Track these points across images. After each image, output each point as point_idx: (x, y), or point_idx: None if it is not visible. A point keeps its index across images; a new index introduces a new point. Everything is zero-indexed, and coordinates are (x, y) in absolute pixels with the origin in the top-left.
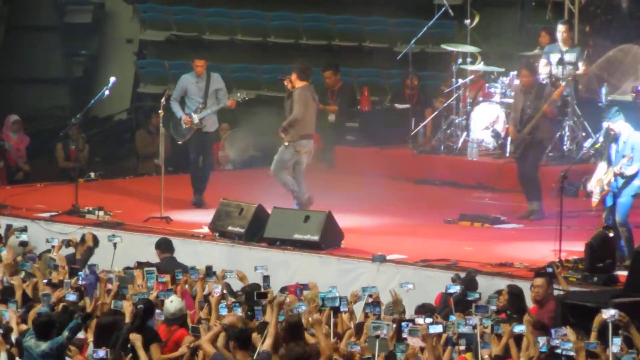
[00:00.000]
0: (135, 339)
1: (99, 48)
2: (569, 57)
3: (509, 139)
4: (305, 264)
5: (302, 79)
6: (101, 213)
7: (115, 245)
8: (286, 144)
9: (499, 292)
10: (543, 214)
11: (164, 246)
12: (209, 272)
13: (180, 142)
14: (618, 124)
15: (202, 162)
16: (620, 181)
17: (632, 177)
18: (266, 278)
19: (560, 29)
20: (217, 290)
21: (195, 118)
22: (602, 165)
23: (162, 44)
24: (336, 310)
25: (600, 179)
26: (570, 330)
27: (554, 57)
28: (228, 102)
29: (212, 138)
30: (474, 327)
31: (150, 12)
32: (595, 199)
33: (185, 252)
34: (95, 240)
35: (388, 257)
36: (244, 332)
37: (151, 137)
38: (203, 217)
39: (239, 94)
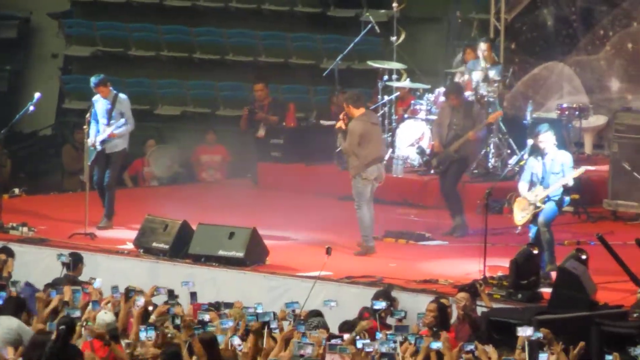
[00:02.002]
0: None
1: (24, 63)
2: (492, 74)
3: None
4: (231, 281)
5: (358, 107)
6: (25, 229)
7: (63, 264)
8: (352, 177)
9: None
10: (466, 229)
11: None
12: (171, 295)
13: (89, 163)
14: (547, 139)
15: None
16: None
17: (564, 191)
18: (193, 295)
19: (482, 47)
20: (140, 303)
21: (97, 141)
22: (523, 185)
23: (88, 60)
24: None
25: (525, 198)
26: (492, 348)
27: (476, 74)
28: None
29: (115, 159)
30: (394, 342)
31: (75, 27)
32: (521, 220)
33: (110, 269)
34: (9, 252)
35: (312, 274)
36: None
37: (77, 153)
38: (127, 233)
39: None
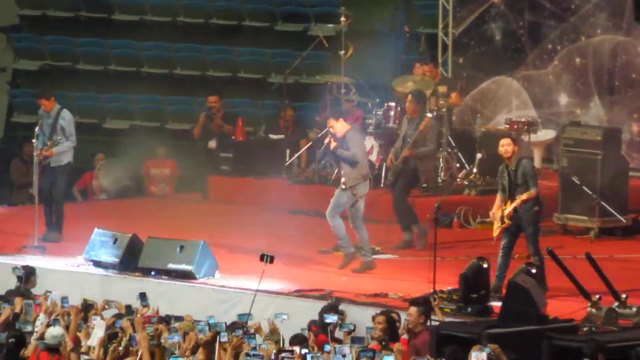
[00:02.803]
0: None
1: None
2: (442, 89)
3: (383, 169)
4: (181, 294)
5: (345, 119)
6: None
7: (17, 277)
8: (343, 187)
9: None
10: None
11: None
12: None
13: (35, 177)
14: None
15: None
16: (521, 210)
17: (532, 205)
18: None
19: (424, 68)
20: (96, 322)
21: (40, 154)
22: (499, 196)
23: (36, 73)
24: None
25: (494, 211)
26: None
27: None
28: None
29: (60, 172)
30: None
31: (23, 41)
32: (495, 232)
33: (60, 282)
34: None
35: (262, 288)
36: None
37: (26, 166)
38: (77, 246)
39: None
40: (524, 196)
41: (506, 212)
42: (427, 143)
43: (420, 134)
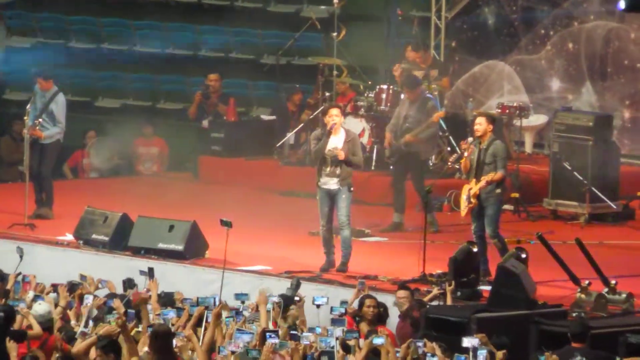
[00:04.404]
0: (11, 348)
1: None
2: (433, 72)
3: (374, 152)
4: (170, 274)
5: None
6: None
7: (21, 257)
8: (352, 188)
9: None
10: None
11: None
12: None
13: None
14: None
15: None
16: (483, 191)
17: (495, 186)
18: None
19: (413, 54)
20: (89, 300)
21: (28, 132)
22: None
23: (28, 51)
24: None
25: (466, 191)
26: (436, 345)
27: (417, 73)
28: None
29: (49, 150)
30: (336, 339)
31: (16, 18)
32: (463, 212)
33: (50, 260)
34: None
35: (252, 268)
36: (111, 343)
37: (16, 143)
38: (67, 224)
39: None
40: (489, 177)
41: (472, 191)
42: (421, 128)
43: (426, 118)
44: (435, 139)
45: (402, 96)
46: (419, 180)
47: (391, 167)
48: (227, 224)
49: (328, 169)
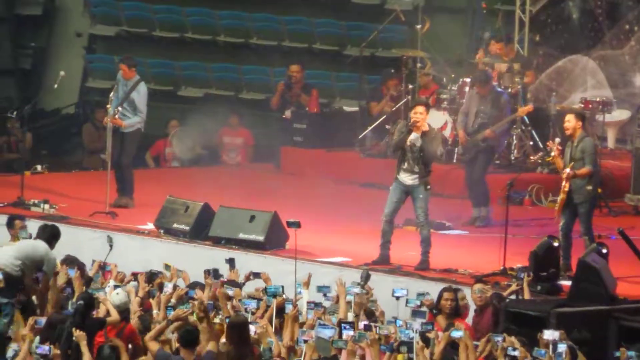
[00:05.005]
0: (80, 337)
1: (48, 41)
2: (516, 66)
3: (458, 145)
4: (251, 264)
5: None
6: (46, 206)
7: (111, 246)
8: (429, 187)
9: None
10: (490, 221)
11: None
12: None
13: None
14: (573, 125)
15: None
16: (575, 187)
17: (585, 182)
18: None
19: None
20: (168, 288)
21: (108, 120)
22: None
23: (112, 39)
24: (281, 310)
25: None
26: (516, 339)
27: (500, 66)
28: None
29: (130, 138)
30: (415, 331)
31: (100, 6)
32: (556, 207)
33: (130, 248)
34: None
35: (332, 260)
36: (189, 331)
37: (98, 132)
38: (149, 213)
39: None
40: (578, 171)
41: (562, 186)
42: (503, 122)
43: (499, 113)
44: (508, 133)
45: (470, 92)
46: (482, 172)
47: (464, 162)
48: (294, 224)
49: (406, 164)
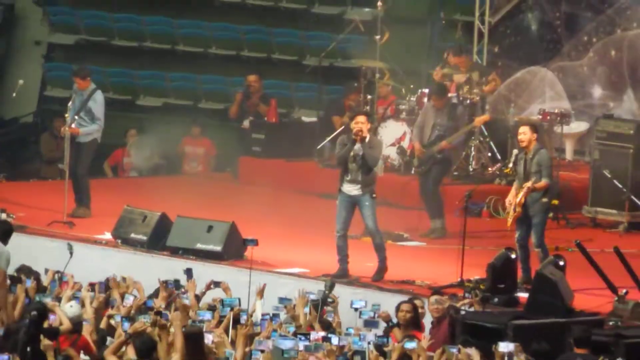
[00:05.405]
0: (47, 347)
1: (6, 49)
2: (475, 77)
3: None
4: (208, 275)
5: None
6: (3, 215)
7: (71, 254)
8: (374, 195)
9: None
10: (445, 232)
11: None
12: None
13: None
14: (528, 137)
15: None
16: (530, 200)
17: (541, 195)
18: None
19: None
20: (128, 301)
21: (65, 130)
22: (514, 185)
23: (71, 48)
24: (236, 321)
25: (509, 200)
26: (475, 350)
27: (459, 77)
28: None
29: (86, 149)
30: (369, 343)
31: (59, 15)
32: (509, 221)
33: (88, 258)
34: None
35: (290, 270)
36: (145, 341)
37: (56, 141)
38: (106, 223)
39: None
40: (536, 185)
41: (517, 199)
42: (459, 133)
43: (455, 125)
44: (465, 144)
45: (427, 104)
46: (436, 184)
47: (419, 174)
48: (252, 242)
49: (350, 175)
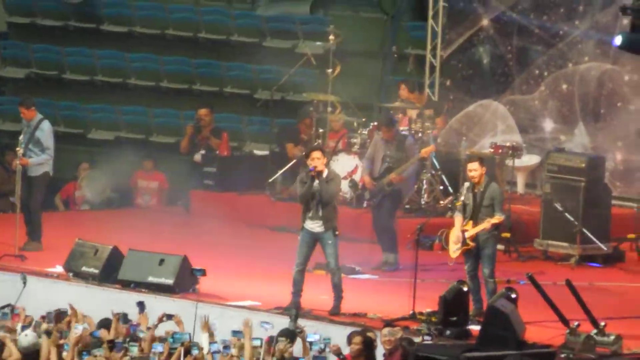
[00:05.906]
0: None
1: None
2: (428, 112)
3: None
4: (160, 308)
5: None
6: None
7: (24, 284)
8: (337, 232)
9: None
10: (398, 266)
11: None
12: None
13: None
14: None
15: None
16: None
17: (494, 228)
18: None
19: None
20: (78, 330)
21: (15, 163)
22: (458, 217)
23: (22, 81)
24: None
25: (457, 233)
26: None
27: (411, 110)
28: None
29: (37, 182)
30: None
31: (10, 48)
32: (454, 253)
33: (39, 291)
34: None
35: (241, 303)
36: None
37: (8, 174)
38: (58, 256)
39: None
40: (495, 220)
41: (470, 233)
42: (407, 164)
43: (405, 156)
44: (417, 177)
45: (375, 137)
46: (389, 217)
47: (371, 207)
48: (199, 271)
49: (311, 212)
